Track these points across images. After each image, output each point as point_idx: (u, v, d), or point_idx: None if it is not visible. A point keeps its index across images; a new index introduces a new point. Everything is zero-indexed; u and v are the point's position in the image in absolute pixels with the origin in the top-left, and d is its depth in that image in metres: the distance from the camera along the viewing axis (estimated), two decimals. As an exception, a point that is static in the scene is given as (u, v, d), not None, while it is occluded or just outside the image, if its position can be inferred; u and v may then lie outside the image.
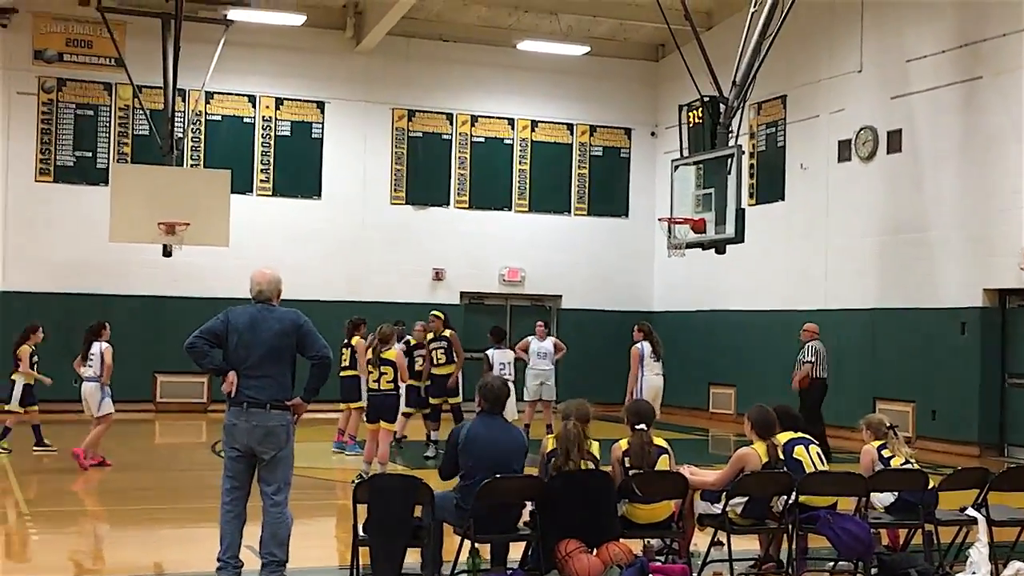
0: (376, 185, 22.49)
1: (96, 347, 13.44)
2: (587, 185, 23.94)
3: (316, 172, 22.10)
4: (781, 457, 8.02)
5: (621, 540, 7.55)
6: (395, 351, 12.62)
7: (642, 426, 7.97)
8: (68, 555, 8.94)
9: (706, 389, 21.55)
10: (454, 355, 15.38)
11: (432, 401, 15.39)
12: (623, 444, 7.97)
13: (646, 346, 14.87)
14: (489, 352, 15.63)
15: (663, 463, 7.92)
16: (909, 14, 17.99)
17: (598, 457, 7.73)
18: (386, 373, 12.42)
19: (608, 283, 23.78)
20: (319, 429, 15.51)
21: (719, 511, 7.87)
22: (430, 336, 15.51)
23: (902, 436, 8.84)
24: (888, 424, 8.72)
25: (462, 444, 7.53)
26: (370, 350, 12.69)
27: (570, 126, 23.86)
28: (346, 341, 14.89)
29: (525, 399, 16.78)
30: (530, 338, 17.30)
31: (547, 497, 7.46)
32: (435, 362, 15.37)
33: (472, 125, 23.16)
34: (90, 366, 13.44)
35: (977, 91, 16.69)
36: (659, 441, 8.03)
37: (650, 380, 14.78)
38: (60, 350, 19.93)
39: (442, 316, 15.70)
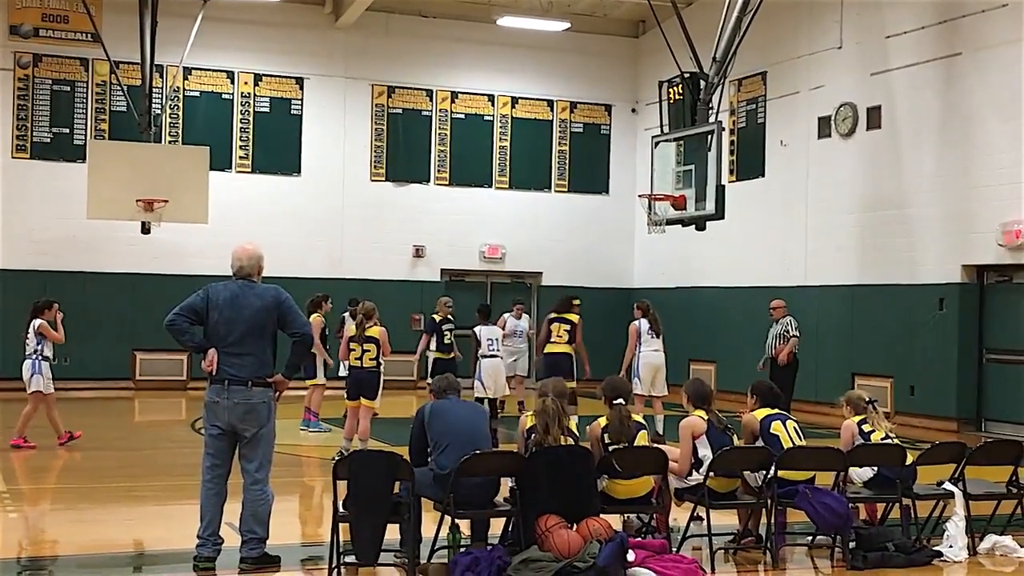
0: (356, 162, 22.41)
1: (32, 324, 13.25)
2: (567, 162, 23.91)
3: (295, 149, 22.01)
4: (723, 420, 8.20)
5: (601, 515, 7.58)
6: (378, 328, 12.57)
7: (620, 401, 8.04)
8: (47, 533, 8.92)
9: (686, 365, 21.60)
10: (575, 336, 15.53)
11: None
12: (601, 421, 8.04)
13: (644, 323, 14.94)
14: (476, 329, 15.69)
15: (642, 438, 7.98)
16: (889, -10, 18.00)
17: (577, 433, 7.78)
18: (369, 350, 12.41)
19: (588, 260, 23.80)
20: (287, 407, 15.51)
21: (692, 483, 7.96)
22: (554, 315, 15.62)
23: (881, 411, 8.91)
24: (867, 399, 8.81)
25: (428, 418, 7.66)
26: (354, 326, 12.65)
27: (550, 102, 23.80)
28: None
29: None
30: (506, 316, 17.69)
31: (527, 473, 7.49)
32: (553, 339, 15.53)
33: (452, 101, 23.08)
34: (27, 344, 13.28)
35: (956, 67, 16.72)
36: (636, 417, 8.12)
37: (647, 356, 14.80)
38: (38, 328, 19.94)
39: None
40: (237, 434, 7.38)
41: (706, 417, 8.17)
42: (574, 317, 15.72)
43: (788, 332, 15.65)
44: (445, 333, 15.76)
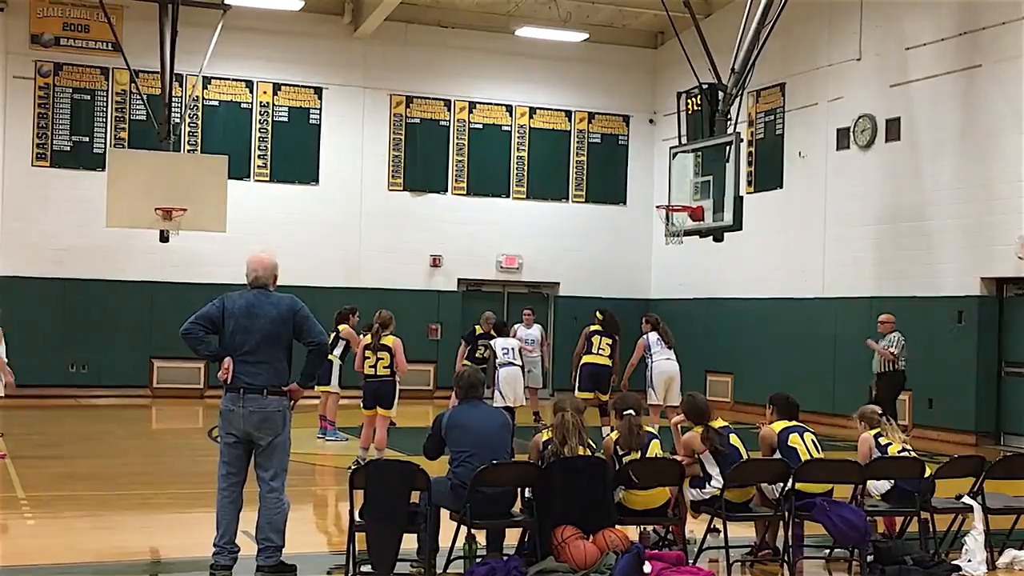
0: (374, 171, 22.45)
1: None
2: (585, 172, 23.91)
3: (313, 158, 22.06)
4: (719, 444, 8.04)
5: (617, 527, 7.57)
6: (393, 338, 12.56)
7: (630, 412, 8.05)
8: (64, 540, 8.94)
9: (703, 377, 21.55)
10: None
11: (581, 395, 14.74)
12: (614, 436, 8.06)
13: (652, 336, 14.95)
14: (492, 341, 15.80)
15: (654, 447, 7.98)
16: (908, 2, 17.96)
17: (594, 446, 7.79)
18: (383, 358, 12.38)
19: (606, 270, 23.77)
20: (304, 415, 15.56)
21: (707, 496, 7.95)
22: (595, 328, 15.47)
23: (895, 423, 8.90)
24: (880, 412, 8.81)
25: (445, 429, 7.66)
26: (370, 335, 12.64)
27: (568, 113, 23.81)
28: (335, 328, 14.86)
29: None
30: (517, 326, 17.76)
31: (544, 483, 7.48)
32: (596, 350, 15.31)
33: (470, 111, 23.12)
34: None
35: (976, 80, 16.66)
36: (647, 428, 8.13)
37: (660, 365, 14.81)
38: (56, 336, 20.06)
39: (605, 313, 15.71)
40: (252, 442, 7.40)
41: (702, 439, 8.07)
42: (616, 332, 15.65)
43: (889, 347, 15.33)
44: (480, 348, 16.25)
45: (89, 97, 20.75)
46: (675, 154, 17.49)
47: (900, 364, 15.38)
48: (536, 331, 18.16)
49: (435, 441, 7.77)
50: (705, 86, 16.88)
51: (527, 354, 17.25)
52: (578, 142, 23.89)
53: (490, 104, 23.24)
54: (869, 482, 8.34)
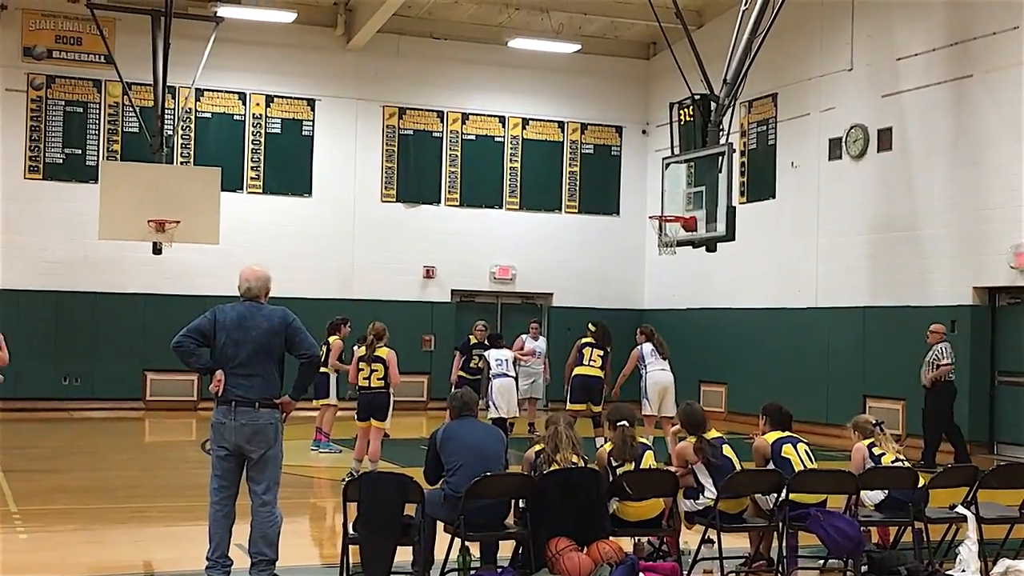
0: (367, 183, 22.45)
1: None
2: (578, 183, 23.93)
3: (306, 170, 22.06)
4: (711, 450, 8.05)
5: (611, 538, 7.56)
6: (387, 350, 12.54)
7: (623, 423, 8.04)
8: (57, 554, 8.91)
9: (696, 387, 21.55)
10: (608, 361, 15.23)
11: (572, 407, 14.79)
12: (607, 447, 8.06)
13: (647, 347, 14.97)
14: (486, 353, 15.79)
15: (648, 459, 7.97)
16: (900, 12, 18.01)
17: (587, 456, 7.79)
18: (377, 370, 12.36)
19: (599, 281, 23.78)
20: (299, 427, 15.55)
21: (701, 507, 7.96)
22: (587, 340, 15.44)
23: (890, 433, 8.89)
24: (874, 421, 8.81)
25: (440, 443, 7.63)
26: (364, 347, 12.63)
27: (561, 124, 23.84)
28: (326, 339, 14.86)
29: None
30: (524, 337, 17.78)
31: (537, 494, 7.47)
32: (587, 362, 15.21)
33: (463, 123, 23.13)
34: None
35: (967, 89, 16.71)
36: (641, 439, 8.13)
37: (655, 376, 14.81)
38: (49, 348, 20.02)
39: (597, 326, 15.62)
40: (244, 455, 7.37)
41: (695, 450, 8.08)
42: (607, 344, 15.65)
43: (939, 359, 15.04)
44: (474, 357, 16.57)
45: (82, 109, 20.74)
46: (668, 165, 17.50)
47: (946, 376, 15.05)
48: (542, 343, 18.35)
49: (432, 457, 7.70)
50: (697, 97, 16.90)
51: (533, 364, 17.39)
52: (571, 153, 23.91)
53: (483, 115, 23.26)
54: (863, 492, 8.34)
